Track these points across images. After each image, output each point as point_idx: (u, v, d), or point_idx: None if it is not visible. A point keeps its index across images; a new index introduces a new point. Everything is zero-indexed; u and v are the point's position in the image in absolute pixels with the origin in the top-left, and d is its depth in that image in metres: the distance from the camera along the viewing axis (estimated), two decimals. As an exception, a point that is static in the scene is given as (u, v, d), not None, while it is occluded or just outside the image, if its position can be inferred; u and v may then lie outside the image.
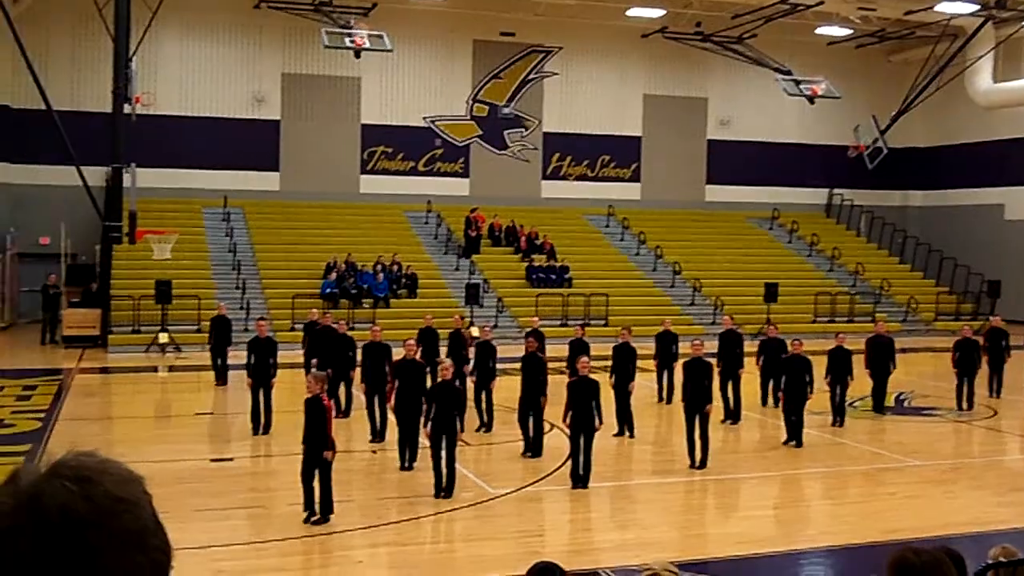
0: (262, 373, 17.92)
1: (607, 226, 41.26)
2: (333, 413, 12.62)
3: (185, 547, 10.31)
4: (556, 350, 22.47)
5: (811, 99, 39.84)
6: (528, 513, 13.55)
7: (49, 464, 1.37)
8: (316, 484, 12.29)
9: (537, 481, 14.74)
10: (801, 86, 39.45)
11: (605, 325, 32.30)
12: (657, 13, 40.28)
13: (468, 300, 31.90)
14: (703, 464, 15.50)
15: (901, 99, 42.30)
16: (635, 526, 12.95)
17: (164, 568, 1.38)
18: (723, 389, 19.47)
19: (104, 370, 26.91)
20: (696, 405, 15.61)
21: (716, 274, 37.79)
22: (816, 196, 45.80)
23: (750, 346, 21.70)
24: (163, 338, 29.32)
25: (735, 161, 44.41)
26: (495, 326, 32.23)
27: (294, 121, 39.67)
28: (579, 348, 19.25)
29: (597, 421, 14.20)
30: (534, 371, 16.70)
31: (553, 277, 35.93)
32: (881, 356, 20.77)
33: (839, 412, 19.31)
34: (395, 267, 34.20)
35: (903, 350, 33.49)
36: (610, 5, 39.52)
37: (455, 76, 41.54)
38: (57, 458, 1.38)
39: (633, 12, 40.14)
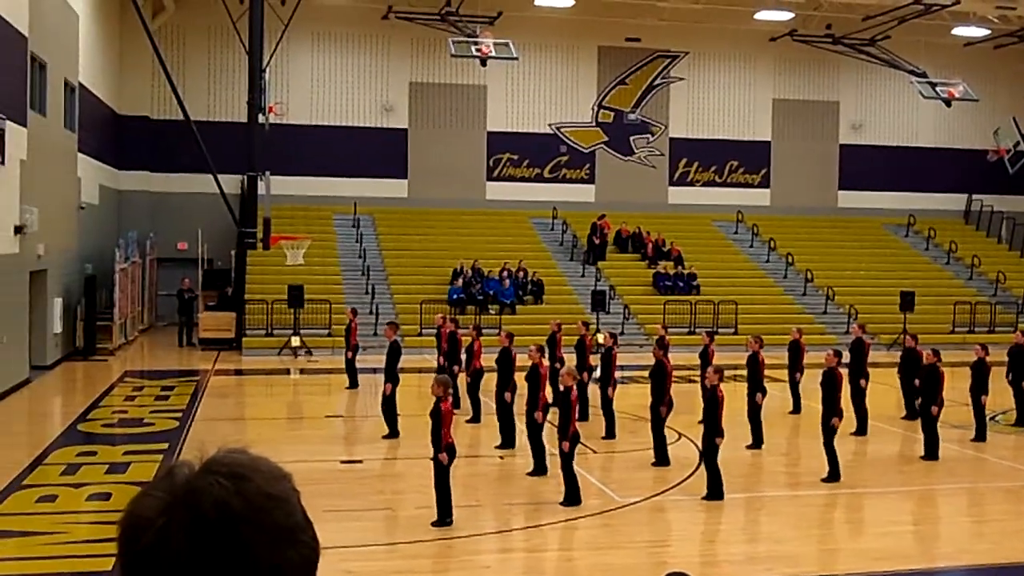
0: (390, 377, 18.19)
1: (736, 232, 40.65)
2: (451, 417, 12.67)
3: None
4: (685, 358, 22.20)
5: (948, 102, 38.53)
6: (655, 523, 13.37)
7: (203, 460, 1.40)
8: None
9: (666, 491, 14.54)
10: (937, 88, 38.18)
11: (735, 333, 31.81)
12: (786, 16, 39.55)
13: (594, 307, 31.75)
14: (831, 478, 15.06)
15: (1045, 100, 40.71)
16: (766, 539, 12.66)
17: (313, 563, 1.40)
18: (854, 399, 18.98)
19: (238, 372, 27.59)
20: (824, 417, 15.29)
21: (850, 282, 36.86)
22: (954, 202, 44.32)
23: (886, 356, 21.09)
24: (295, 341, 29.93)
25: (868, 166, 43.30)
26: (621, 333, 32.09)
27: (421, 129, 40.14)
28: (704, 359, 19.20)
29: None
30: (657, 379, 16.52)
31: (681, 284, 35.51)
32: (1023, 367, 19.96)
33: (980, 427, 18.61)
34: (521, 273, 34.28)
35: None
36: (737, 9, 38.95)
37: (580, 82, 41.48)
38: (210, 455, 1.41)
39: (761, 15, 39.50)
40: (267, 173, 32.37)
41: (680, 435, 17.76)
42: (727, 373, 15.82)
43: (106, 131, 34.27)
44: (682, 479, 15.01)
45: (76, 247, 28.82)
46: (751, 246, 39.66)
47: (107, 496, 13.37)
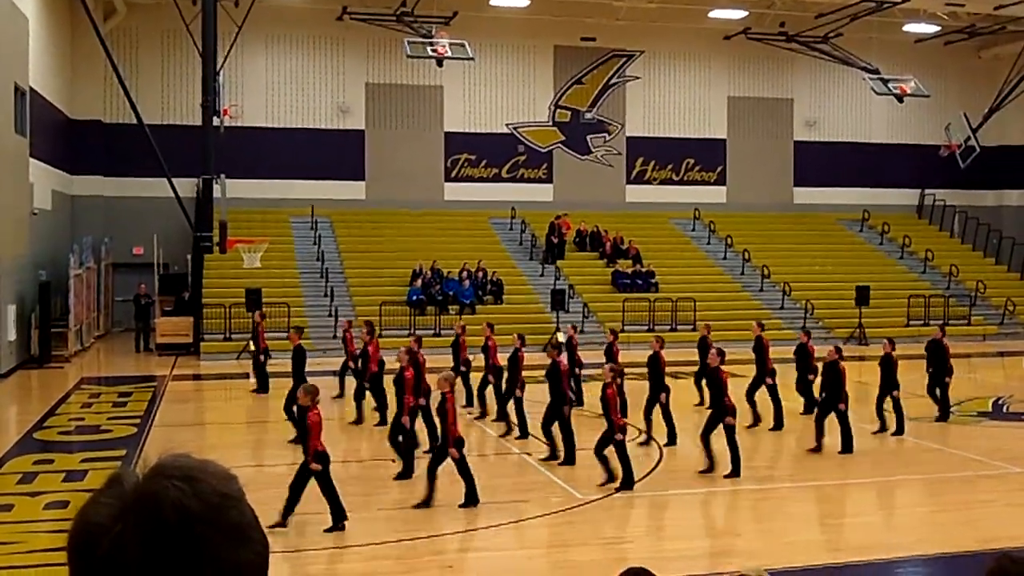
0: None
1: (693, 230, 40.91)
2: (320, 428, 12.45)
3: (275, 551, 10.43)
4: (645, 356, 22.28)
5: (900, 98, 39.02)
6: (616, 520, 13.45)
7: (148, 467, 1.39)
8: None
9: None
10: (889, 85, 38.63)
11: (693, 330, 32.01)
12: (739, 14, 39.85)
13: (554, 306, 31.85)
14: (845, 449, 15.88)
15: (993, 96, 41.28)
16: (725, 534, 12.78)
17: (265, 561, 1.40)
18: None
19: (196, 377, 27.40)
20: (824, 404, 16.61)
21: (806, 277, 37.20)
22: (907, 197, 44.86)
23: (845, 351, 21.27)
24: (253, 346, 29.72)
25: (823, 162, 43.74)
26: (581, 331, 32.20)
27: (378, 130, 40.04)
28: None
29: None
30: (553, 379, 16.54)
31: (639, 282, 35.69)
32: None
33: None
34: (480, 273, 34.31)
35: (1000, 353, 32.84)
36: (691, 8, 39.20)
37: (537, 82, 41.56)
38: (156, 460, 1.40)
39: (715, 14, 39.78)
40: (223, 176, 32.20)
41: (640, 431, 17.87)
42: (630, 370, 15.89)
43: (58, 135, 33.88)
44: (642, 475, 15.10)
45: (29, 253, 28.47)
46: (708, 243, 39.93)
47: (65, 504, 13.24)
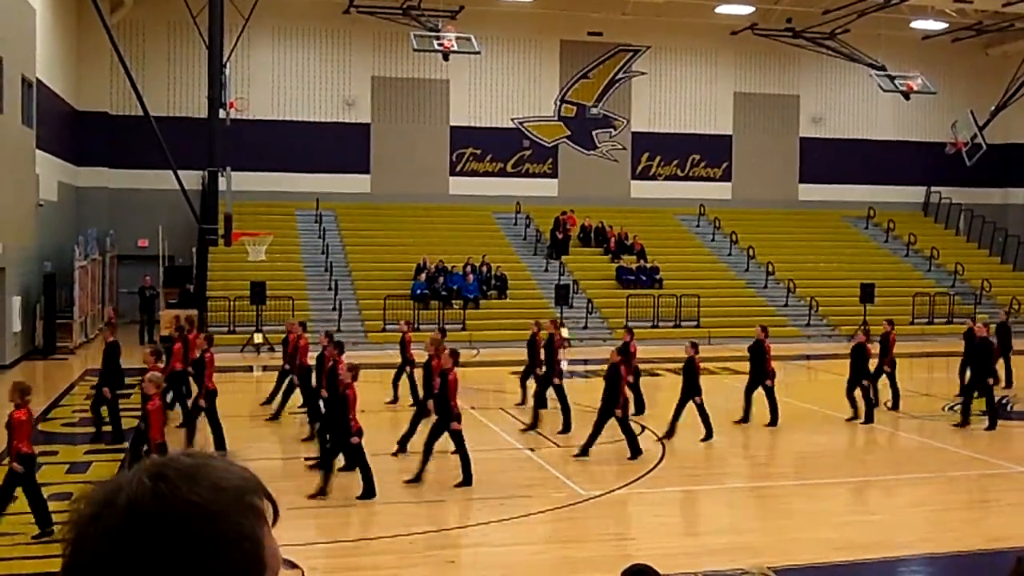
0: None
1: (698, 226, 40.86)
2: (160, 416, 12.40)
3: (280, 544, 10.41)
4: (649, 352, 22.29)
5: (906, 95, 38.87)
6: (619, 516, 13.44)
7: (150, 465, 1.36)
8: None
9: (629, 484, 14.61)
10: (896, 81, 38.50)
11: (697, 326, 32.00)
12: (746, 10, 39.77)
13: (558, 301, 31.82)
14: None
15: (1000, 93, 41.11)
16: (728, 531, 12.76)
17: (257, 564, 1.34)
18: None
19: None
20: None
21: (811, 274, 37.15)
22: (913, 194, 44.78)
23: (846, 348, 21.28)
24: (258, 338, 29.78)
25: (829, 159, 43.67)
26: (585, 327, 32.22)
27: (384, 124, 40.01)
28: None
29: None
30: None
31: (643, 278, 35.65)
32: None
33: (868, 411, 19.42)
34: (485, 268, 34.28)
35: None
36: (698, 3, 39.11)
37: (543, 77, 41.51)
38: (162, 458, 1.37)
39: (722, 9, 39.69)
40: (228, 169, 32.13)
41: (644, 428, 17.86)
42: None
43: (64, 127, 33.89)
44: (645, 472, 15.10)
45: (35, 245, 28.48)
46: (713, 240, 39.87)
47: (68, 496, 13.24)
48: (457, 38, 34.04)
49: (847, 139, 44.12)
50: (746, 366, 20.37)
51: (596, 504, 13.52)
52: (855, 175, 43.78)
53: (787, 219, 42.09)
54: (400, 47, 38.29)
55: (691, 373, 17.85)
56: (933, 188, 44.47)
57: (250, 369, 27.54)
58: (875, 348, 20.10)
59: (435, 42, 34.16)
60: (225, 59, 32.80)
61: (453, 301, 32.91)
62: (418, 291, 32.84)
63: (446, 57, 34.91)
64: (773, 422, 18.84)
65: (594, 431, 15.84)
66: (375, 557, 11.38)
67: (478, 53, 35.51)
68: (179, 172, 31.33)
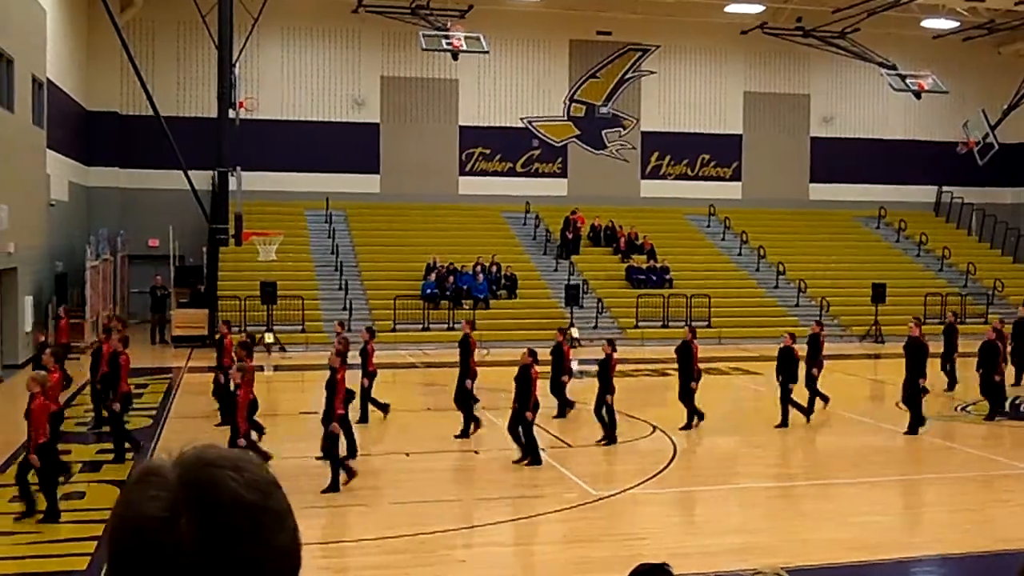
0: None
1: (708, 226, 40.79)
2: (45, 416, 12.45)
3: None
4: (659, 352, 22.25)
5: (918, 94, 38.79)
6: (631, 516, 13.41)
7: (182, 459, 1.38)
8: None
9: (641, 484, 14.58)
10: (907, 81, 38.42)
11: (708, 326, 31.92)
12: (756, 9, 39.70)
13: (568, 301, 31.79)
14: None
15: (1012, 92, 40.96)
16: (740, 531, 12.72)
17: (299, 547, 1.43)
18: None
19: (212, 369, 27.36)
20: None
21: (821, 274, 37.06)
22: (924, 194, 44.65)
23: (859, 348, 21.20)
24: (268, 338, 29.80)
25: (839, 159, 43.56)
26: (595, 327, 32.17)
27: (393, 124, 40.04)
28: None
29: None
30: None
31: (654, 278, 35.60)
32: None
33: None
34: (494, 268, 34.27)
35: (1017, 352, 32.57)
36: (708, 2, 39.05)
37: (552, 76, 41.48)
38: (192, 451, 1.40)
39: (732, 8, 39.62)
40: (238, 169, 32.19)
41: (655, 428, 17.84)
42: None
43: (75, 127, 33.98)
44: (656, 472, 15.07)
45: (46, 244, 28.57)
46: (723, 239, 39.80)
47: (81, 495, 13.27)
48: (466, 37, 34.06)
49: (858, 138, 44.01)
50: (758, 366, 20.35)
51: (607, 504, 13.49)
52: (866, 175, 43.67)
53: (798, 219, 41.99)
54: (409, 47, 38.29)
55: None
56: (945, 188, 44.33)
57: (260, 368, 27.52)
58: (802, 350, 19.51)
59: (444, 41, 34.18)
60: (234, 59, 32.86)
61: (463, 301, 32.90)
62: (428, 291, 32.84)
63: (455, 56, 34.94)
64: (783, 423, 18.77)
65: (521, 438, 15.46)
66: (386, 556, 11.37)
67: (487, 52, 35.52)
68: (189, 172, 31.43)
